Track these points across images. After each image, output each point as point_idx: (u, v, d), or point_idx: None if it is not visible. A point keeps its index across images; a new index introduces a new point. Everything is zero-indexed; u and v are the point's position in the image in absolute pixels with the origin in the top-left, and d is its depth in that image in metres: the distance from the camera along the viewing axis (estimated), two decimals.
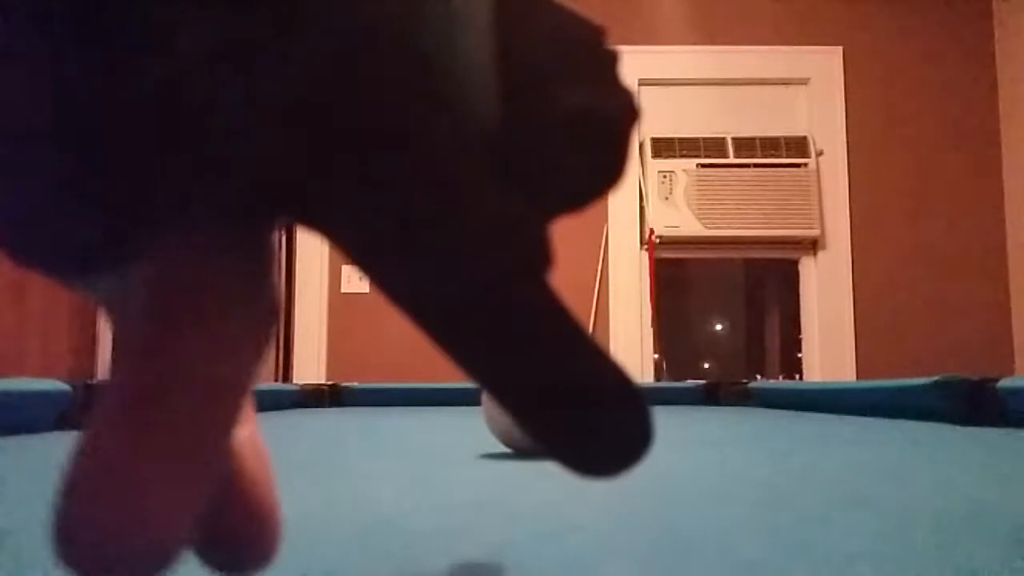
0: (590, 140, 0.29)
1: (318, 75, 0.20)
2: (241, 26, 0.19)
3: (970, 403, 1.69)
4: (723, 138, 3.58)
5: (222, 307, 0.25)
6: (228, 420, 0.24)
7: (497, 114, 0.26)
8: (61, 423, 1.63)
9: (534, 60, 0.29)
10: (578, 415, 0.34)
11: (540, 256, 0.28)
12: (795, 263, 3.72)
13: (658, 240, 3.55)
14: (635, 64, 3.68)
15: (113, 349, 0.27)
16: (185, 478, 0.22)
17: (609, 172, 0.30)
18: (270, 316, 0.26)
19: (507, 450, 1.03)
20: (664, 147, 3.55)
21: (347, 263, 0.27)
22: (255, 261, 0.26)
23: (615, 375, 0.34)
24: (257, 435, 0.27)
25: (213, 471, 0.23)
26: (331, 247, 0.27)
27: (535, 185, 0.29)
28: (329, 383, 3.16)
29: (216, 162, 0.21)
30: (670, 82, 3.73)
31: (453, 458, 0.98)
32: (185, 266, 0.24)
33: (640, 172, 3.64)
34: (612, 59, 0.30)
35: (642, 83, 3.69)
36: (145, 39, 0.19)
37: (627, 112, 0.31)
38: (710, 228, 3.51)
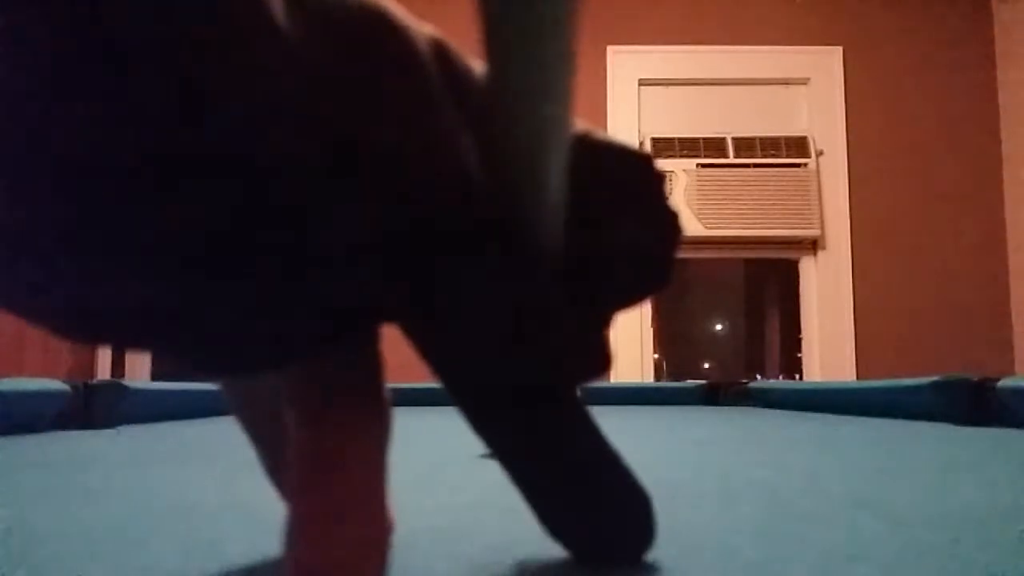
0: (644, 264, 0.39)
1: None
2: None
3: (970, 403, 1.69)
4: (723, 138, 3.57)
5: (364, 404, 0.34)
6: (382, 487, 0.34)
7: (566, 241, 0.34)
8: (61, 423, 1.63)
9: (599, 196, 0.37)
10: (590, 514, 0.40)
11: (604, 363, 0.37)
12: (795, 263, 3.72)
13: None
14: (635, 64, 3.68)
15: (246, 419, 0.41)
16: (371, 528, 0.33)
17: (658, 282, 0.40)
18: (389, 405, 0.36)
19: None
20: (664, 147, 3.55)
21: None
22: (373, 363, 0.36)
23: (629, 483, 0.40)
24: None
25: (384, 515, 0.34)
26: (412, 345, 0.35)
27: (600, 298, 0.38)
28: None
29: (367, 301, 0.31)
30: (670, 82, 3.72)
31: (453, 458, 0.98)
32: (328, 371, 0.33)
33: None
34: (660, 181, 0.40)
35: (642, 83, 3.69)
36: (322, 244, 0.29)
37: (673, 233, 0.39)
38: (710, 228, 3.50)
